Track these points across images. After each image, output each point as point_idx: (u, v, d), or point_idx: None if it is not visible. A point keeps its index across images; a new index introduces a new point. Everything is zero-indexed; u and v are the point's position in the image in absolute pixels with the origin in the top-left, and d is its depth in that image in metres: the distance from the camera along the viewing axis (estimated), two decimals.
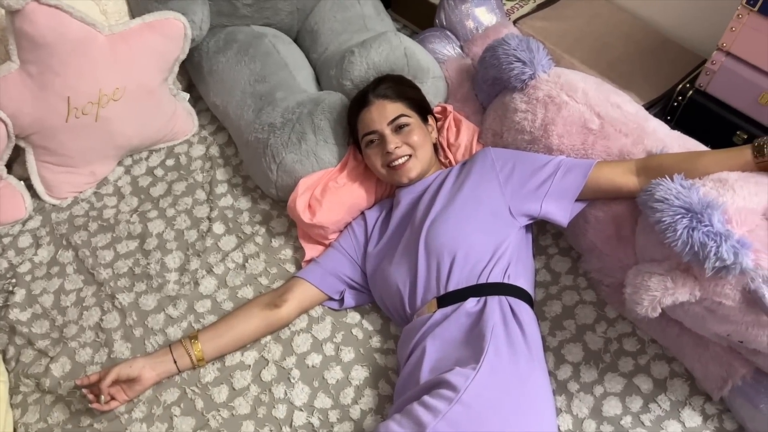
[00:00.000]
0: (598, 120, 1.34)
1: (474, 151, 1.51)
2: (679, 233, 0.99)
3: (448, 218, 1.30)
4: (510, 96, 1.45)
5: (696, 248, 0.97)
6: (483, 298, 1.22)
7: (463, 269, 1.25)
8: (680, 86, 1.57)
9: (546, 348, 1.31)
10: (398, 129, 1.38)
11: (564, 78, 1.40)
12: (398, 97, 1.41)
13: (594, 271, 1.36)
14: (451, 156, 1.53)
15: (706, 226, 0.97)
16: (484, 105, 1.58)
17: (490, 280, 1.25)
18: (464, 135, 1.53)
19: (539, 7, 1.85)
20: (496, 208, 1.30)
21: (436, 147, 1.50)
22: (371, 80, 1.51)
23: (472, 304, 1.22)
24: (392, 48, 1.54)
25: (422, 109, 1.46)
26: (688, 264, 1.02)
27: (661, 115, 1.60)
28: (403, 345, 1.27)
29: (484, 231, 1.28)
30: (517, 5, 1.86)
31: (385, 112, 1.39)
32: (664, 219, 1.01)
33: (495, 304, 1.21)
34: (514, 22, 1.79)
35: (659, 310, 1.02)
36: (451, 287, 1.25)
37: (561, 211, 1.29)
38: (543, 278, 1.43)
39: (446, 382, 1.09)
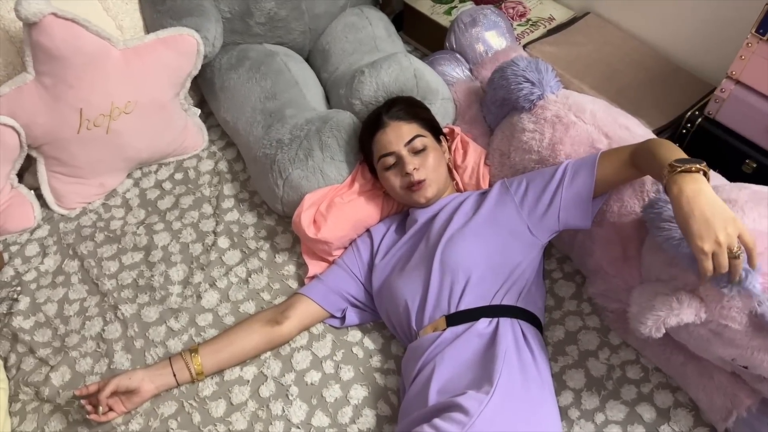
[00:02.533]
0: (606, 140, 1.33)
1: (481, 174, 1.51)
2: (687, 251, 0.98)
3: (466, 237, 1.29)
4: (518, 116, 1.45)
5: None
6: (495, 320, 1.21)
7: (477, 290, 1.24)
8: (689, 114, 1.56)
9: None
10: (415, 151, 1.38)
11: (572, 99, 1.41)
12: (412, 118, 1.42)
13: (599, 296, 1.34)
14: (458, 177, 1.53)
15: None
16: (492, 127, 1.58)
17: (503, 303, 1.23)
18: (471, 157, 1.53)
19: (549, 33, 1.85)
20: (515, 229, 1.28)
21: (449, 168, 1.50)
22: (381, 101, 1.52)
23: (484, 324, 1.21)
24: (402, 69, 1.55)
25: (435, 129, 1.46)
26: (694, 285, 1.00)
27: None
28: (409, 363, 1.25)
29: (501, 253, 1.27)
30: (527, 30, 1.87)
31: (401, 133, 1.39)
32: (673, 235, 1.01)
33: (507, 326, 1.20)
34: (524, 46, 1.80)
35: (663, 331, 1.00)
36: (463, 306, 1.23)
37: (580, 215, 1.26)
38: (547, 303, 1.41)
39: (458, 406, 1.06)
